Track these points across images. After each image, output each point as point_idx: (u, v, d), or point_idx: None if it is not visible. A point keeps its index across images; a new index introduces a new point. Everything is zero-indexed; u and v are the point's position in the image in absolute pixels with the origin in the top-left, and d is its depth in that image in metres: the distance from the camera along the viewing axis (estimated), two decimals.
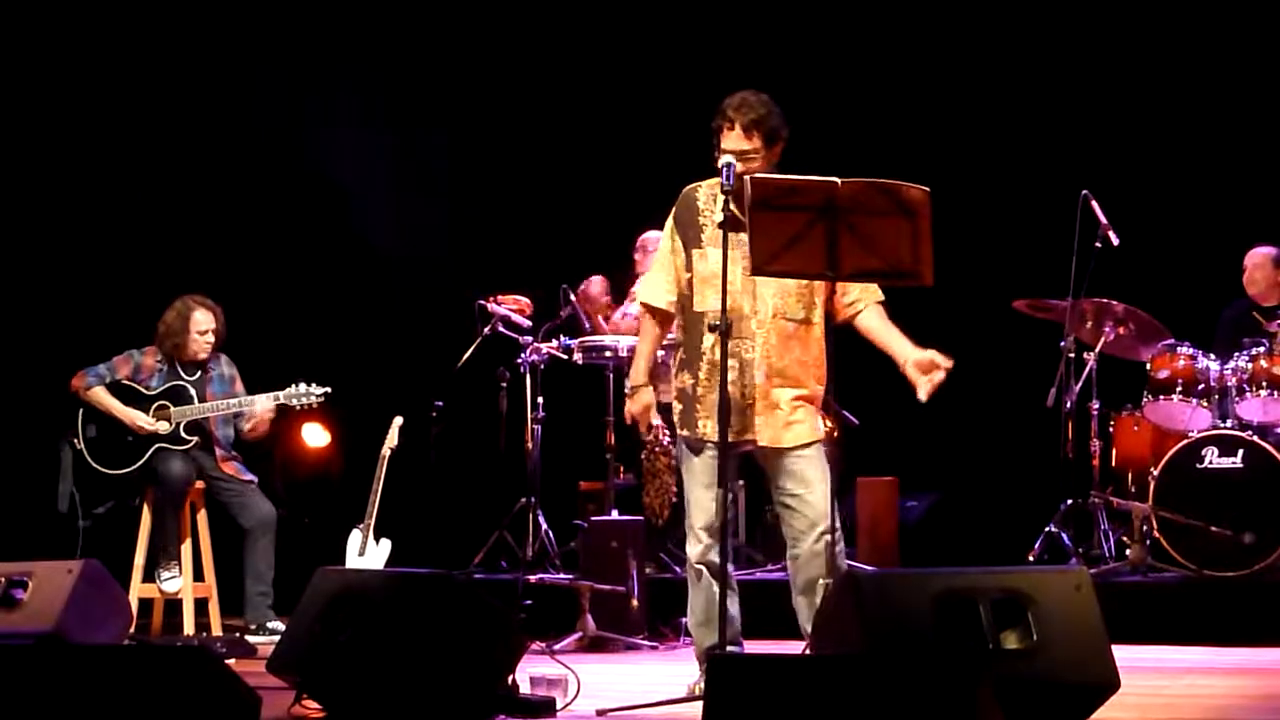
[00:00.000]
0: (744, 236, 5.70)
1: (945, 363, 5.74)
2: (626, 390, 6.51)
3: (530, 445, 8.97)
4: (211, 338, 8.49)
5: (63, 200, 10.19)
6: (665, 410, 6.56)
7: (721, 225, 5.74)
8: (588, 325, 9.12)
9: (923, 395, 5.74)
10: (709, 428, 5.90)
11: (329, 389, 8.44)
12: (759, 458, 6.03)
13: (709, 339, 5.89)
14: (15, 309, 9.95)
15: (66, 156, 10.19)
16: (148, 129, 10.34)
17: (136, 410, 8.39)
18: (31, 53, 10.09)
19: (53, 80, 10.12)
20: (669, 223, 6.09)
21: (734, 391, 5.81)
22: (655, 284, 6.15)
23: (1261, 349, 8.25)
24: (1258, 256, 8.84)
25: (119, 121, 10.26)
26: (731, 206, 5.73)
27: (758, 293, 5.89)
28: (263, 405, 8.41)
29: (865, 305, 5.98)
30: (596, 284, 9.40)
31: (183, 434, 8.40)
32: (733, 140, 5.85)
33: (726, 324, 5.58)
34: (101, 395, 8.42)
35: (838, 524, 5.86)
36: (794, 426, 5.94)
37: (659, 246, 6.20)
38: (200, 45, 10.38)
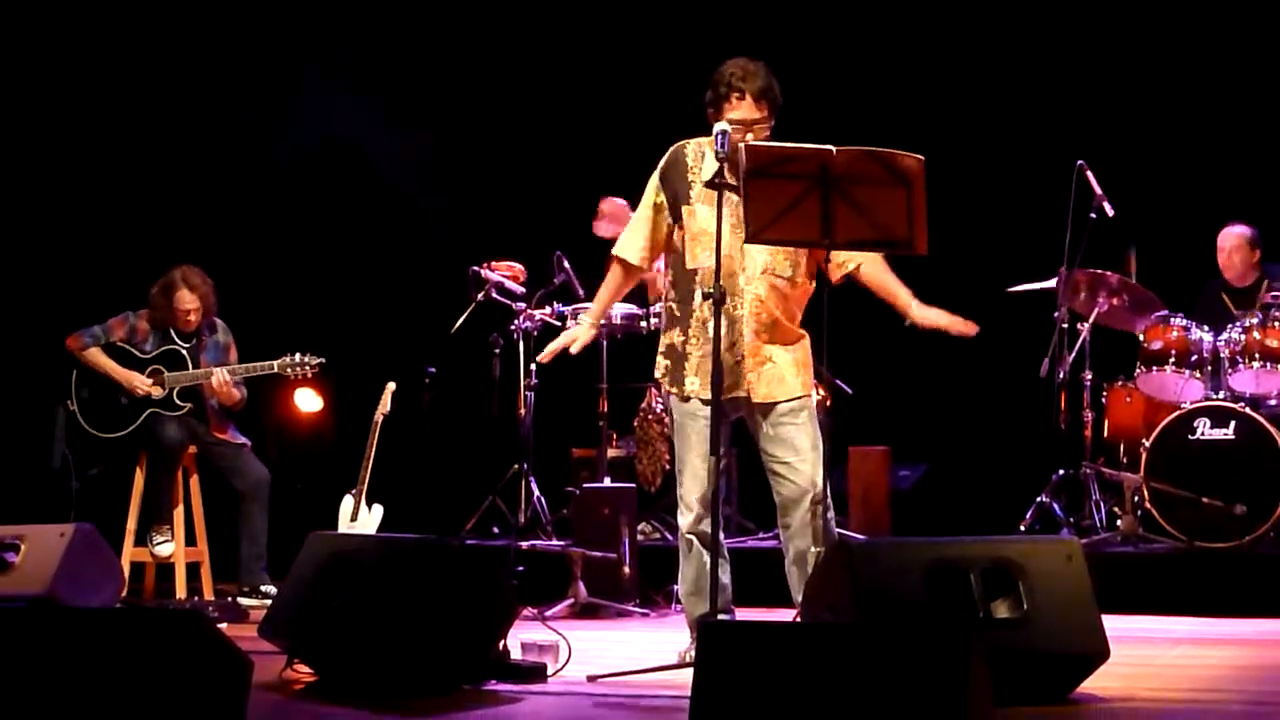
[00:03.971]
0: (734, 196, 5.71)
1: (960, 327, 5.95)
2: (575, 321, 6.48)
3: (523, 412, 8.98)
4: (194, 316, 8.47)
5: (61, 162, 10.16)
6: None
7: (709, 184, 5.76)
8: (580, 292, 9.10)
9: (952, 325, 5.98)
10: (697, 385, 5.90)
11: (323, 359, 8.44)
12: (749, 420, 6.03)
13: (699, 296, 5.89)
14: (12, 269, 9.92)
15: (63, 120, 10.16)
16: (140, 93, 10.31)
17: (134, 372, 8.40)
18: (34, 17, 10.05)
19: (51, 43, 10.09)
20: (654, 179, 6.05)
21: (723, 348, 5.81)
22: (632, 239, 6.12)
23: (1255, 321, 8.26)
24: (1234, 238, 8.77)
25: (114, 86, 10.23)
26: (726, 172, 5.72)
27: (746, 249, 5.88)
28: (218, 378, 8.38)
29: (864, 258, 5.97)
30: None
31: (176, 399, 8.40)
32: (744, 111, 5.82)
33: (720, 291, 5.58)
34: (98, 356, 8.42)
35: (828, 493, 5.87)
36: (787, 381, 5.93)
37: (641, 203, 6.15)
38: (200, 7, 10.35)
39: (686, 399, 5.97)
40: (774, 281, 5.93)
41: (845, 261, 5.95)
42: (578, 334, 6.20)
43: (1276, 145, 9.50)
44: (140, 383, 8.37)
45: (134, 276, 8.76)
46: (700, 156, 5.97)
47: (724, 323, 5.79)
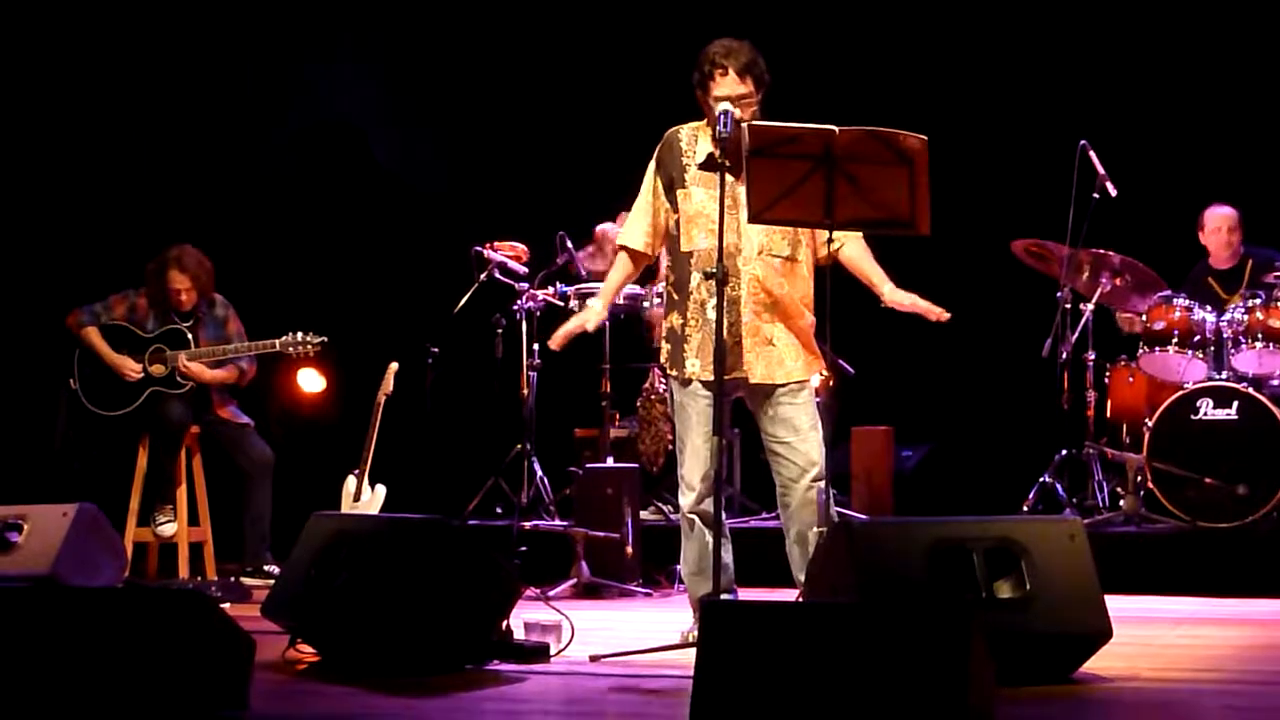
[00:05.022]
0: (730, 177, 5.71)
1: (935, 312, 5.88)
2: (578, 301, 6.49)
3: (526, 392, 8.97)
4: (185, 296, 8.45)
5: (65, 142, 10.14)
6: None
7: (702, 166, 5.77)
8: (583, 273, 9.10)
9: (925, 310, 5.91)
10: (697, 367, 5.92)
11: (325, 337, 8.43)
12: (749, 400, 6.03)
13: (696, 278, 5.92)
14: (15, 247, 9.91)
15: (66, 100, 10.14)
16: (143, 72, 10.29)
17: (126, 357, 8.38)
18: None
19: (54, 22, 10.07)
20: (651, 165, 6.10)
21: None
22: (634, 227, 6.16)
23: (1258, 300, 8.25)
24: (1225, 219, 8.73)
25: (118, 65, 10.21)
26: (715, 150, 5.72)
27: (743, 230, 5.89)
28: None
29: (846, 240, 5.96)
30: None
31: (178, 378, 8.39)
32: (728, 86, 5.83)
33: (722, 271, 5.58)
34: (94, 337, 8.41)
35: (826, 472, 5.87)
36: (786, 363, 5.95)
37: (641, 191, 6.17)
38: None
39: (687, 381, 5.98)
40: (771, 261, 5.93)
41: (830, 240, 5.90)
42: (588, 316, 6.24)
43: (1258, 127, 9.48)
44: (130, 369, 8.36)
45: (137, 255, 8.75)
46: (694, 140, 5.99)
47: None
